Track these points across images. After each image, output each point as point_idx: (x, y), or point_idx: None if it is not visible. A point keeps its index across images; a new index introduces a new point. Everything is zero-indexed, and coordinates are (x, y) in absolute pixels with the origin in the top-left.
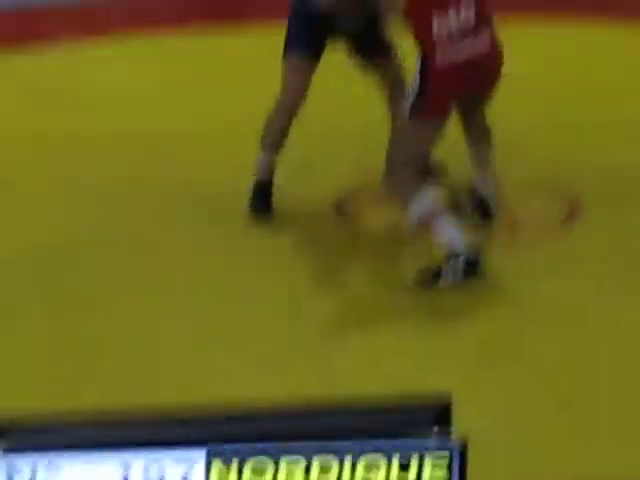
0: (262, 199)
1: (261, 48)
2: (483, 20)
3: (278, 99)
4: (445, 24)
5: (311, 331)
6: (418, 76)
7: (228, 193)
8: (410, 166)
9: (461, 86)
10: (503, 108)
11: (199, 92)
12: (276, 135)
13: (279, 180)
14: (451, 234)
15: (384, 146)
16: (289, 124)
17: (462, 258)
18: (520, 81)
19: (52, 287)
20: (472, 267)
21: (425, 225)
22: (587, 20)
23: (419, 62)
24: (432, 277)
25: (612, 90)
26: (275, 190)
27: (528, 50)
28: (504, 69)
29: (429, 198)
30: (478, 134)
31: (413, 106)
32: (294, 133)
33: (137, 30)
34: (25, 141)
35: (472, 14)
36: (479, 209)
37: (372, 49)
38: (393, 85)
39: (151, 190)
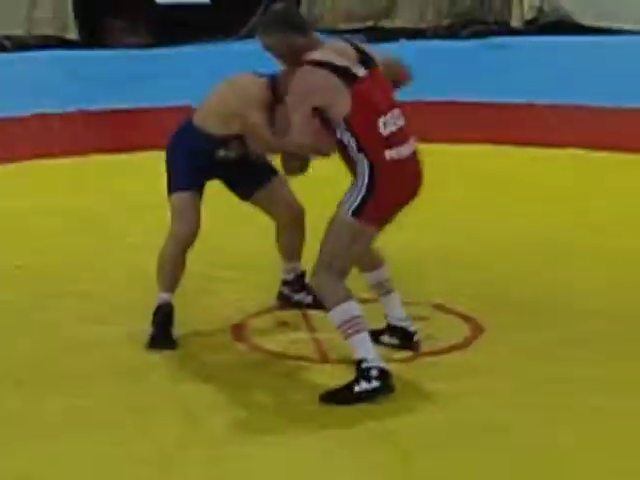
0: (165, 332)
1: None
2: (407, 131)
3: (172, 235)
4: (388, 128)
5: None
6: (366, 179)
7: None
8: (338, 268)
9: (407, 190)
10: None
11: None
12: (175, 273)
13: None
14: (366, 347)
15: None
16: (184, 259)
17: (375, 372)
18: None
19: None
20: (385, 379)
21: (343, 334)
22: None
23: (366, 167)
24: (344, 392)
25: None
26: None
27: None
28: None
29: (352, 309)
30: (374, 254)
31: (358, 208)
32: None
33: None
34: None
35: (401, 122)
36: (399, 337)
37: (252, 183)
38: (286, 211)
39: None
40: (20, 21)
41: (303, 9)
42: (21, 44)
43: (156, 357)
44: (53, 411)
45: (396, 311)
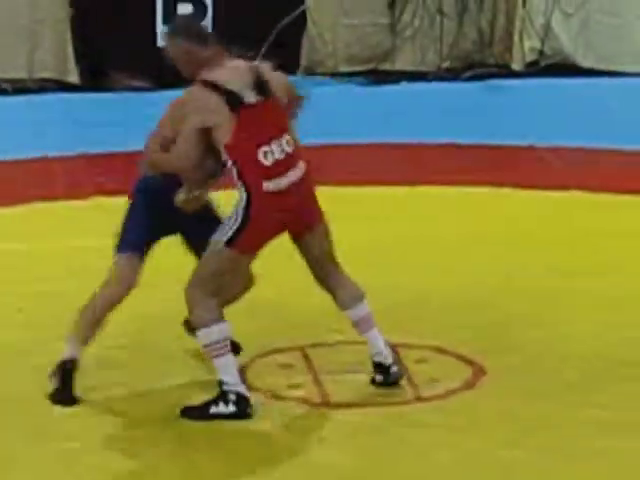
0: (67, 387)
1: None
2: (297, 155)
3: (105, 291)
4: (270, 157)
5: None
6: (242, 210)
7: None
8: (211, 290)
9: (283, 221)
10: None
11: None
12: (94, 330)
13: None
14: (230, 371)
15: None
16: (107, 317)
17: (233, 396)
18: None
19: None
20: (243, 405)
21: (209, 354)
22: None
23: (244, 197)
24: (202, 410)
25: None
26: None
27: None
28: None
29: (222, 331)
30: (348, 291)
31: (232, 238)
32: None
33: None
34: None
35: (290, 149)
36: (380, 374)
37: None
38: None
39: None
40: (21, 64)
41: (304, 53)
42: (22, 87)
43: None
44: (46, 456)
45: (374, 347)
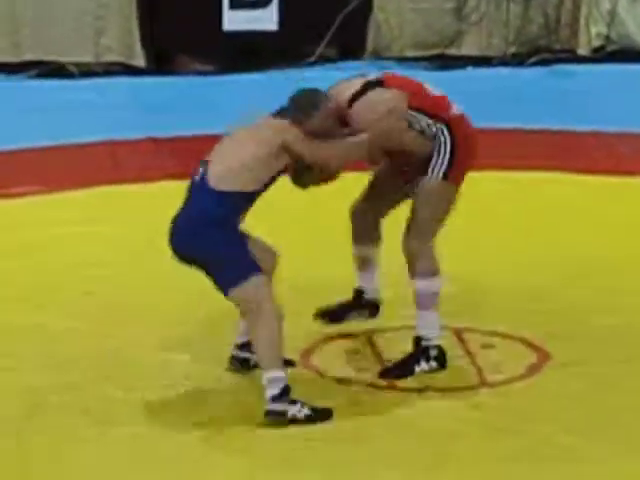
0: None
1: None
2: None
3: (267, 317)
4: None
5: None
6: (449, 147)
7: None
8: (431, 236)
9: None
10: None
11: None
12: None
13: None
14: (434, 326)
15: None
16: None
17: (434, 352)
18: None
19: None
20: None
21: (424, 304)
22: None
23: (446, 136)
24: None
25: None
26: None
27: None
28: None
29: (439, 285)
30: (378, 232)
31: (447, 172)
32: None
33: None
34: None
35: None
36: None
37: None
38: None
39: None
40: (87, 48)
41: (370, 37)
42: (87, 71)
43: (226, 382)
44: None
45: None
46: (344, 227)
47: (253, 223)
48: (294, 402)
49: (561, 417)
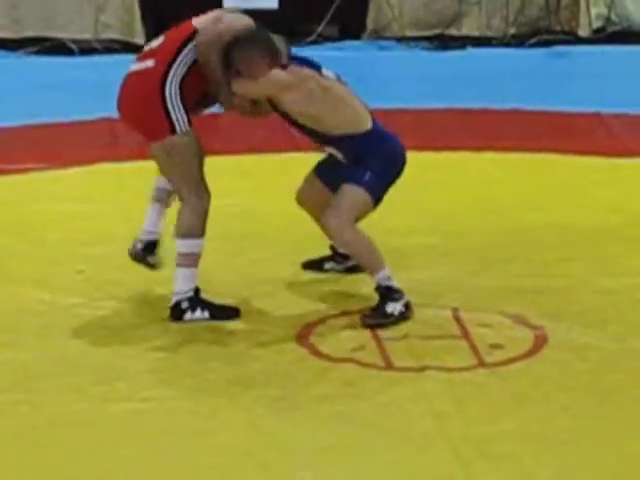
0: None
1: None
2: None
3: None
4: None
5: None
6: None
7: None
8: None
9: None
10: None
11: None
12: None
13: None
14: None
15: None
16: None
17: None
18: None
19: None
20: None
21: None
22: None
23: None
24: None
25: None
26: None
27: None
28: None
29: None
30: None
31: None
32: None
33: None
34: None
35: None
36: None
37: None
38: None
39: None
40: (86, 25)
41: (370, 17)
42: (87, 48)
43: (217, 353)
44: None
45: None
46: None
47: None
48: None
49: (559, 397)
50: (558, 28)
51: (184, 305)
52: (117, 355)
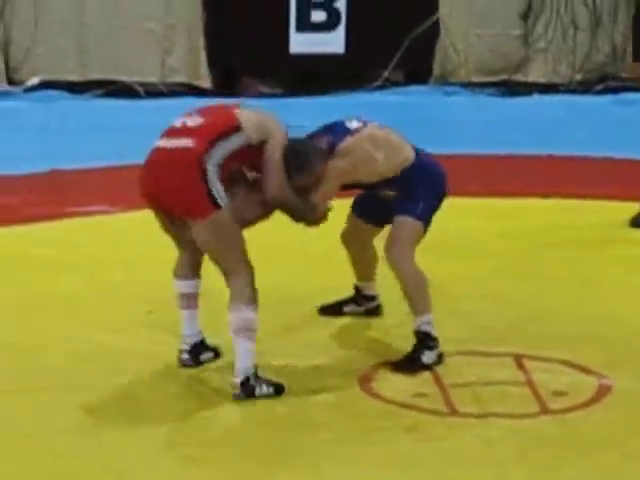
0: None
1: None
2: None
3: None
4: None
5: None
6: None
7: None
8: None
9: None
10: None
11: None
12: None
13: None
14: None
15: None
16: None
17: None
18: None
19: None
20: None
21: None
22: None
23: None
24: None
25: None
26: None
27: None
28: None
29: None
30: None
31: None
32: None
33: None
34: None
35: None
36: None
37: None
38: None
39: None
40: (153, 68)
41: (436, 63)
42: (154, 91)
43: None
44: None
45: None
46: None
47: None
48: None
49: (621, 446)
50: (625, 75)
51: (252, 381)
52: (181, 397)
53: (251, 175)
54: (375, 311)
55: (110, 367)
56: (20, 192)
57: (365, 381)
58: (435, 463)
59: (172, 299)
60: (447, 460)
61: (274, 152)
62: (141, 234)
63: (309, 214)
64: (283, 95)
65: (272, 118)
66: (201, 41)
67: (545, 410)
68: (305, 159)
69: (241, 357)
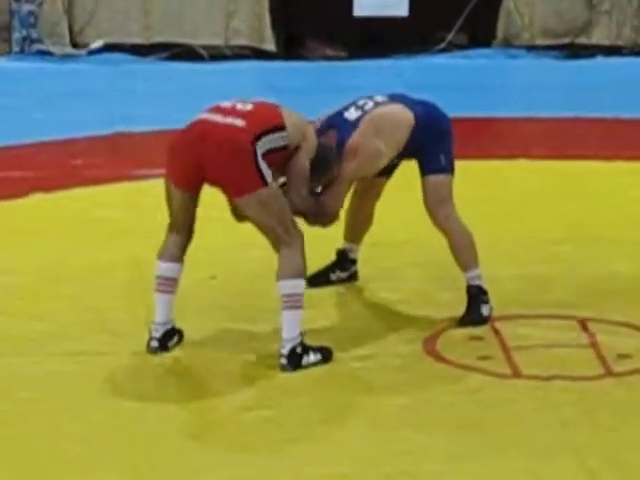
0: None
1: None
2: None
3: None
4: None
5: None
6: None
7: None
8: None
9: None
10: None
11: None
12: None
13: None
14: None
15: None
16: None
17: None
18: None
19: None
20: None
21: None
22: None
23: None
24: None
25: None
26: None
27: None
28: None
29: None
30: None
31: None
32: None
33: None
34: None
35: None
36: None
37: None
38: None
39: None
40: (217, 31)
41: (500, 26)
42: (218, 54)
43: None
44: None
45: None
46: None
47: None
48: None
49: None
50: None
51: (299, 350)
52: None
53: (279, 181)
54: (354, 276)
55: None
56: (84, 154)
57: (430, 344)
58: (499, 426)
59: (235, 264)
60: (511, 423)
61: (304, 159)
62: (208, 196)
63: (321, 216)
64: (347, 58)
65: (305, 121)
66: (265, 4)
67: (610, 373)
68: (325, 163)
69: (287, 327)
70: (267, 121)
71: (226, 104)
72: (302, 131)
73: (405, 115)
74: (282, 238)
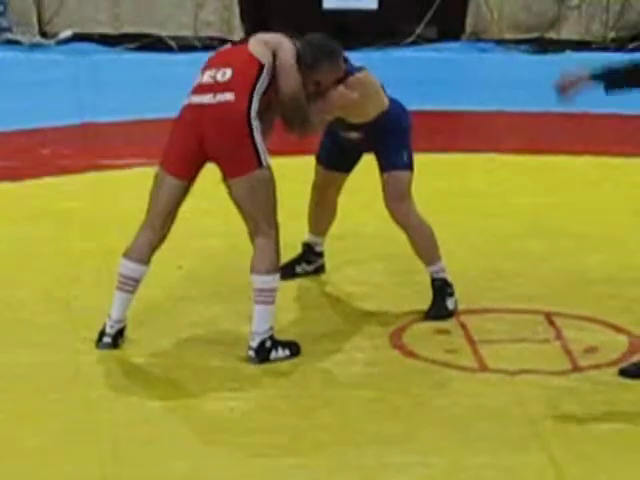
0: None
1: None
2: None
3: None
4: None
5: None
6: None
7: None
8: None
9: None
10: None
11: None
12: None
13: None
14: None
15: None
16: None
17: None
18: None
19: None
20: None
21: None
22: None
23: None
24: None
25: None
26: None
27: None
28: None
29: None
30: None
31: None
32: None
33: None
34: None
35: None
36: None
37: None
38: None
39: None
40: (186, 22)
41: (469, 20)
42: (186, 45)
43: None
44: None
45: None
46: None
47: None
48: None
49: None
50: None
51: (268, 344)
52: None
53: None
54: (321, 269)
55: (141, 319)
56: (52, 144)
57: (396, 338)
58: (466, 420)
59: (201, 252)
60: (478, 416)
61: (287, 58)
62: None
63: (303, 124)
64: None
65: (275, 37)
66: None
67: (576, 367)
68: (316, 53)
69: (258, 321)
70: (249, 75)
71: (207, 80)
72: (271, 43)
73: (383, 94)
74: (261, 227)
